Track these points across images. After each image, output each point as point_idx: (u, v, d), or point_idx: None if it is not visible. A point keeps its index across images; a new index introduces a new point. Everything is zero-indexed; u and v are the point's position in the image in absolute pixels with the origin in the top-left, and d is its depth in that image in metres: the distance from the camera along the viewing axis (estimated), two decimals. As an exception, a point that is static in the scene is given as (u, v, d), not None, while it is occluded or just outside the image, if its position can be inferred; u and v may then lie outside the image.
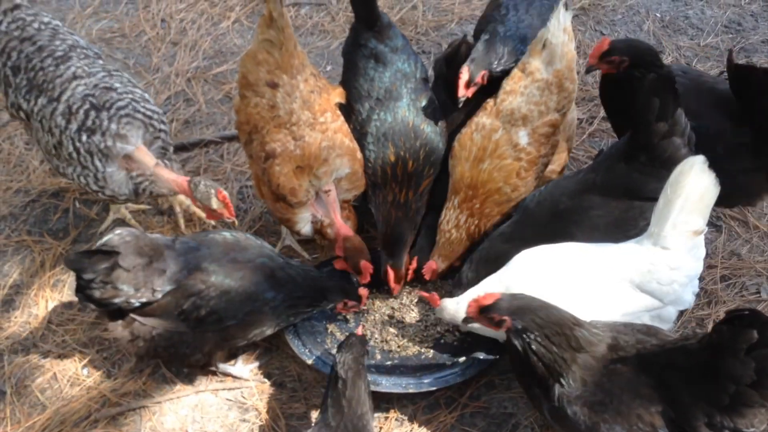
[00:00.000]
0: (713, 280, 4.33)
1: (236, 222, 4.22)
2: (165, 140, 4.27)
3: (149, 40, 5.77)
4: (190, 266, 3.59)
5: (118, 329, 3.64)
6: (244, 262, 3.71)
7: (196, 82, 5.50)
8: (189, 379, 4.01)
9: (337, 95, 4.30)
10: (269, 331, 3.85)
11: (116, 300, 3.47)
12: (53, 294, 4.34)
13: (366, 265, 4.00)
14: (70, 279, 4.39)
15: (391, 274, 4.16)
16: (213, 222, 4.43)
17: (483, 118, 4.12)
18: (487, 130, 4.07)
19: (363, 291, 3.95)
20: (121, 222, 4.64)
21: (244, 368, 4.03)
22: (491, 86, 4.15)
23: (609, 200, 3.80)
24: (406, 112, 4.22)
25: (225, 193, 3.99)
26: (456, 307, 3.74)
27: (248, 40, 5.80)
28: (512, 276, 3.65)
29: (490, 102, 4.13)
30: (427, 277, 4.17)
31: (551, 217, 3.88)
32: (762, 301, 4.26)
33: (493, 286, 3.65)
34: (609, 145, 4.05)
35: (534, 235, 3.80)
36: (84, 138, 4.07)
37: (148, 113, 4.19)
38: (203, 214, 4.36)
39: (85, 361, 4.06)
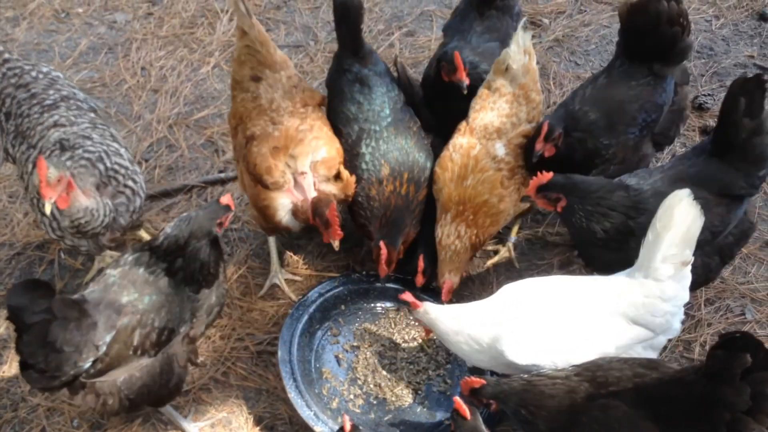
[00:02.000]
0: (698, 304, 4.36)
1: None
2: (131, 198, 4.14)
3: (130, 89, 5.81)
4: (114, 307, 3.48)
5: (85, 398, 3.52)
6: (147, 277, 3.58)
7: (178, 128, 5.53)
8: (180, 427, 3.99)
9: (320, 99, 4.42)
10: (213, 299, 3.71)
11: (65, 367, 3.33)
12: (40, 347, 4.31)
13: (332, 213, 3.94)
14: (57, 331, 4.37)
15: (384, 252, 4.09)
16: None
17: (458, 139, 4.24)
18: (465, 148, 4.19)
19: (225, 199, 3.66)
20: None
21: (193, 426, 3.97)
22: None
23: (704, 192, 3.73)
24: (394, 131, 4.30)
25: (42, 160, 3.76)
26: (436, 314, 3.75)
27: (228, 85, 5.84)
28: (502, 308, 3.66)
29: (463, 124, 4.28)
30: (445, 297, 4.14)
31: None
32: (747, 322, 4.30)
33: (481, 314, 3.67)
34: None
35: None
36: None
37: (114, 167, 4.08)
38: None
39: (74, 414, 4.03)
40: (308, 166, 4.13)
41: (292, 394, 3.86)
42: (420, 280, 4.21)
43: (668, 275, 3.45)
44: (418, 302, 3.80)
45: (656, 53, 4.18)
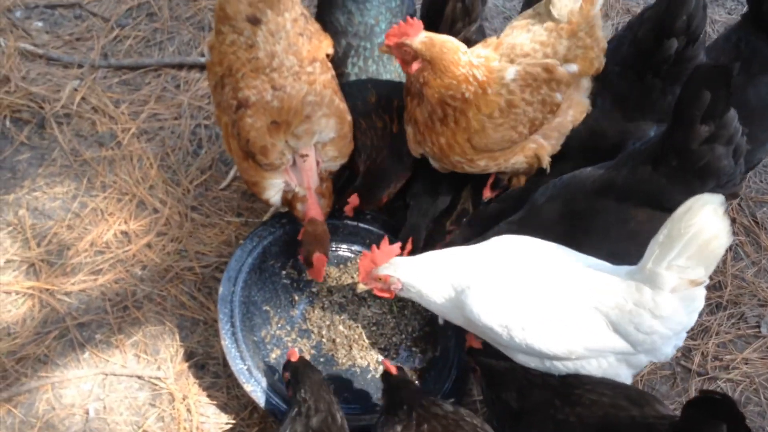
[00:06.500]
0: (710, 306, 3.79)
1: None
2: None
3: (117, -61, 5.06)
4: None
5: None
6: None
7: (165, -7, 4.84)
8: (99, 348, 3.55)
9: (329, 45, 3.67)
10: None
11: None
12: (-39, 229, 3.84)
13: (319, 259, 3.43)
14: (-17, 213, 3.88)
15: (354, 199, 3.64)
16: None
17: (480, 49, 3.47)
18: (483, 57, 3.42)
19: None
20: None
21: None
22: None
23: (627, 207, 3.24)
24: None
25: None
26: (407, 267, 3.16)
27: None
28: (483, 256, 3.10)
29: (493, 38, 3.52)
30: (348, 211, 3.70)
31: (560, 218, 3.32)
32: (761, 337, 3.75)
33: (459, 257, 3.13)
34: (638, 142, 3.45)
35: (539, 235, 3.21)
36: None
37: None
38: None
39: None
40: (312, 147, 3.49)
41: (227, 342, 3.37)
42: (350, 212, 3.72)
43: (671, 287, 2.80)
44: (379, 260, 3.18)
45: None
